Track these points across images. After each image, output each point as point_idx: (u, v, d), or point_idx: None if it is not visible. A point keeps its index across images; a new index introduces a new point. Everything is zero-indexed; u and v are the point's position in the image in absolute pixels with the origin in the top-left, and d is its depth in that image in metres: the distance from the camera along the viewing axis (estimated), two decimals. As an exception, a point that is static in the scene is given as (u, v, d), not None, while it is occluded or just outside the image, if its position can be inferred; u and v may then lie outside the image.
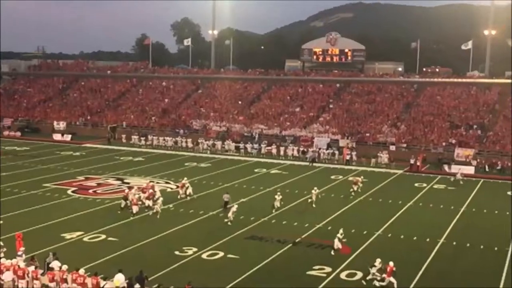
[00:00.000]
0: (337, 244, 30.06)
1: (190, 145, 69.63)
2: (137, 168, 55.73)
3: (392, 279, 24.82)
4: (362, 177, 47.84)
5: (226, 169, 56.73)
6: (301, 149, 65.44)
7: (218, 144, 68.89)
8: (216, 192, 43.74)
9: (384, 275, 25.25)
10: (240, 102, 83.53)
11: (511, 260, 30.02)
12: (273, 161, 62.16)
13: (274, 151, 66.00)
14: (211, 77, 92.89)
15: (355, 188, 45.29)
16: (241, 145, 67.81)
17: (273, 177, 53.10)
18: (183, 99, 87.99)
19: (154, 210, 37.22)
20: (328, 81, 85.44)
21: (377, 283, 25.25)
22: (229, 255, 29.62)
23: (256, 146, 67.47)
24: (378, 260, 25.92)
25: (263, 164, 59.81)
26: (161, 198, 38.64)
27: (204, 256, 29.54)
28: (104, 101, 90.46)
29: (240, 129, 75.18)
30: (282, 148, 65.92)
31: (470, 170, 57.22)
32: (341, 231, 30.59)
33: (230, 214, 35.69)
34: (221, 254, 29.83)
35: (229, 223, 35.30)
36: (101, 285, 22.80)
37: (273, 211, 38.21)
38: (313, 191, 41.46)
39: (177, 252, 29.83)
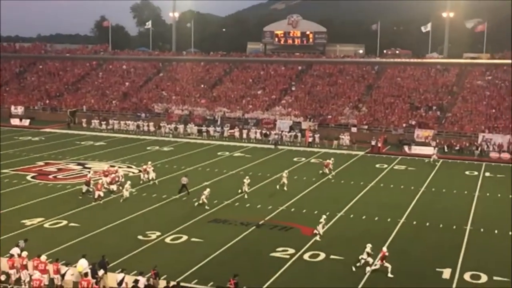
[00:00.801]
0: (319, 229, 29.79)
1: (152, 129, 69.05)
2: (99, 153, 55.04)
3: (386, 263, 24.85)
4: (332, 159, 47.90)
5: (188, 152, 56.48)
6: (264, 131, 65.53)
7: (181, 127, 68.45)
8: (178, 176, 43.39)
9: (378, 261, 25.20)
10: (202, 85, 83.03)
11: (469, 238, 30.76)
12: (236, 144, 62.15)
13: (236, 134, 65.98)
14: (172, 59, 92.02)
15: (327, 171, 45.36)
16: (204, 129, 67.54)
17: (236, 160, 53.10)
18: (144, 82, 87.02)
19: (124, 196, 36.84)
20: (290, 62, 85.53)
21: (368, 268, 25.11)
22: (193, 239, 29.59)
23: (218, 129, 67.33)
24: (369, 246, 25.71)
25: (226, 147, 59.75)
26: (129, 182, 38.30)
27: (167, 240, 29.45)
28: (63, 85, 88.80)
29: (203, 112, 74.83)
30: (244, 131, 65.90)
31: (429, 150, 58.20)
32: (324, 216, 30.46)
33: (203, 197, 35.45)
34: (185, 237, 29.79)
35: (206, 206, 35.14)
36: (63, 271, 22.53)
37: (245, 196, 37.88)
38: (284, 174, 41.40)
39: (140, 237, 29.65)
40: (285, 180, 40.73)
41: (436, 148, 56.63)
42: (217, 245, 28.47)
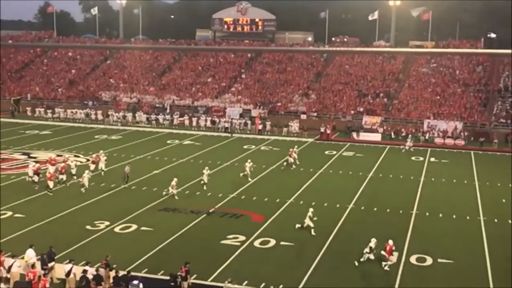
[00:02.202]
0: (308, 222, 29.10)
1: (100, 117, 67.87)
2: (44, 142, 53.75)
3: (391, 257, 24.85)
4: (296, 147, 47.89)
5: (137, 141, 55.79)
6: (214, 119, 65.31)
7: (129, 115, 67.52)
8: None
9: (384, 253, 25.00)
10: (150, 73, 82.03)
11: (415, 222, 31.52)
12: (186, 132, 61.76)
13: (186, 122, 65.57)
14: (120, 46, 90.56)
15: (291, 160, 45.19)
16: (153, 117, 66.84)
17: (186, 148, 52.80)
18: (91, 70, 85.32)
19: (84, 186, 36.08)
20: (239, 50, 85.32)
21: (384, 264, 24.75)
22: (143, 228, 29.34)
23: (168, 117, 66.76)
24: (374, 241, 25.40)
25: (175, 135, 59.32)
26: (87, 171, 37.52)
27: (116, 229, 29.12)
28: (6, 72, 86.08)
29: (152, 100, 74.01)
30: (194, 119, 65.55)
31: (377, 137, 59.29)
32: (311, 209, 29.89)
33: (170, 188, 34.94)
34: (134, 227, 29.51)
35: (176, 197, 34.69)
36: (10, 263, 21.98)
37: (204, 187, 37.45)
38: (247, 163, 40.96)
39: (88, 227, 29.22)
40: (248, 170, 40.26)
41: (410, 136, 57.15)
42: (167, 234, 28.32)
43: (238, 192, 36.81)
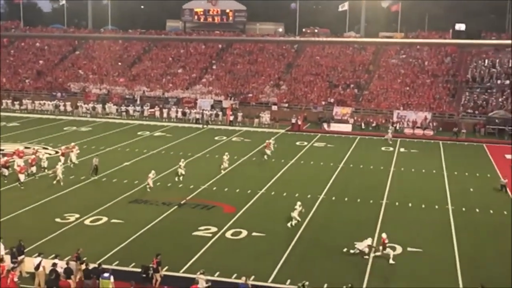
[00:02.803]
0: (295, 216, 28.81)
1: (69, 108, 66.98)
2: (12, 134, 52.83)
3: (387, 250, 24.77)
4: (272, 139, 47.71)
5: (107, 132, 55.26)
6: (185, 110, 65.01)
7: (99, 107, 66.79)
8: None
9: (380, 247, 25.01)
10: (120, 64, 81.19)
11: (385, 211, 31.87)
12: (157, 123, 61.37)
13: (157, 113, 65.14)
14: (89, 36, 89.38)
15: (268, 152, 45.02)
16: (123, 108, 66.23)
17: (157, 139, 52.46)
18: (60, 60, 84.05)
19: (58, 178, 35.54)
20: (210, 40, 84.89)
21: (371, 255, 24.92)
22: (113, 220, 29.12)
23: (138, 108, 66.23)
24: (370, 239, 25.27)
25: (146, 127, 58.87)
26: (60, 163, 36.95)
27: (87, 222, 28.85)
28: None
29: (122, 92, 73.32)
30: (165, 110, 65.15)
31: (348, 127, 59.73)
32: (299, 203, 29.64)
33: (149, 180, 34.53)
34: (105, 219, 29.26)
35: (148, 189, 34.30)
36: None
37: (180, 179, 37.01)
38: (224, 156, 40.73)
39: (58, 220, 28.88)
40: (225, 163, 40.04)
41: (391, 127, 57.26)
42: (138, 226, 28.16)
43: (210, 184, 36.74)
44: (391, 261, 24.25)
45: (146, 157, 44.65)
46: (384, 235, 25.10)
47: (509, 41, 9.81)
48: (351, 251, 25.09)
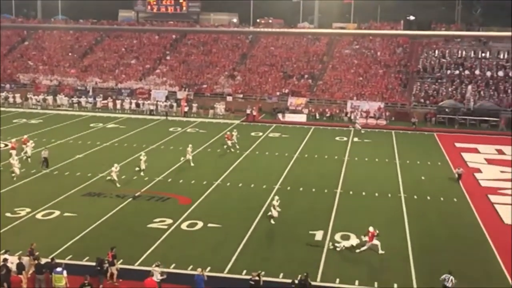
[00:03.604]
0: (273, 212, 28.31)
1: (18, 100, 65.31)
2: (-41, 127, 51.28)
3: (375, 241, 24.69)
4: (235, 131, 47.30)
5: (59, 125, 54.11)
6: (139, 102, 64.24)
7: (50, 99, 65.35)
8: (49, 150, 41.56)
9: (366, 239, 24.93)
10: (71, 54, 79.57)
11: (339, 200, 32.25)
12: (110, 115, 60.42)
13: (110, 104, 64.18)
14: (38, 27, 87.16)
15: (230, 144, 44.50)
16: (75, 99, 64.97)
17: (110, 131, 51.70)
18: (8, 51, 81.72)
19: (15, 173, 34.60)
20: (164, 31, 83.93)
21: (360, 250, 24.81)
22: (66, 214, 28.62)
23: (90, 100, 65.08)
24: (356, 240, 25.18)
25: (99, 119, 57.90)
26: (16, 158, 35.85)
27: (38, 216, 28.27)
28: None
29: (73, 83, 71.92)
30: (118, 102, 64.24)
31: (302, 118, 60.12)
32: (276, 197, 29.25)
33: (113, 175, 33.89)
34: (57, 213, 28.73)
35: (117, 184, 33.61)
36: None
37: (141, 173, 36.37)
38: (188, 148, 40.03)
39: (8, 214, 28.20)
40: (189, 155, 39.42)
41: (358, 117, 57.58)
42: (92, 219, 27.75)
43: (165, 175, 36.45)
44: (380, 251, 24.37)
45: (99, 150, 43.97)
46: (371, 229, 24.93)
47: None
48: (337, 248, 24.84)
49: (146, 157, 37.45)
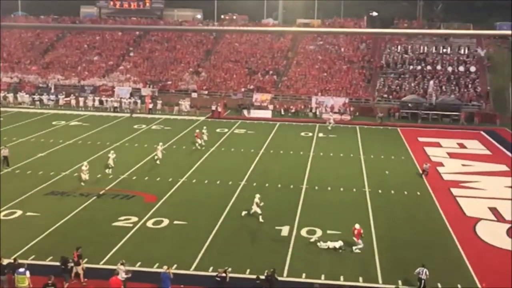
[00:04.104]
0: (255, 208, 27.97)
1: (-23, 98, 63.91)
2: None
3: (359, 241, 24.60)
4: (205, 128, 46.85)
5: (20, 123, 53.03)
6: (102, 99, 63.44)
7: (10, 96, 63.98)
8: (9, 148, 40.76)
9: (354, 238, 24.75)
10: (32, 51, 78.11)
11: (305, 196, 32.39)
12: (73, 112, 59.52)
13: (73, 102, 63.16)
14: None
15: (200, 141, 44.10)
16: (36, 97, 63.80)
17: (73, 129, 50.93)
18: (-33, 48, 79.95)
19: None
20: (125, 29, 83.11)
21: (354, 248, 24.57)
22: (28, 213, 28.12)
23: (53, 97, 64.00)
24: (340, 243, 24.81)
25: (61, 116, 56.99)
26: None
27: (0, 216, 27.67)
28: None
29: (34, 80, 70.62)
30: (81, 99, 63.28)
31: (267, 114, 60.22)
32: (258, 195, 28.79)
33: (82, 174, 33.27)
34: (19, 212, 28.21)
35: (82, 183, 32.96)
36: None
37: (109, 171, 35.66)
38: (158, 146, 39.61)
39: (-32, 215, 27.57)
40: (159, 154, 38.93)
41: (331, 113, 57.70)
42: (55, 218, 27.32)
43: (130, 173, 36.11)
44: (356, 250, 24.27)
45: (62, 148, 43.28)
46: (357, 226, 24.87)
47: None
48: (323, 246, 24.64)
49: (115, 155, 36.98)
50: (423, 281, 20.70)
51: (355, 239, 24.58)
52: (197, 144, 43.93)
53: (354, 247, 24.46)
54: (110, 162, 36.10)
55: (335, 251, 24.30)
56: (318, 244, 24.74)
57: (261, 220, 27.58)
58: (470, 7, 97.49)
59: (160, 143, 40.57)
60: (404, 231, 27.22)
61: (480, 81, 65.20)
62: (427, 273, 20.72)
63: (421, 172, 37.35)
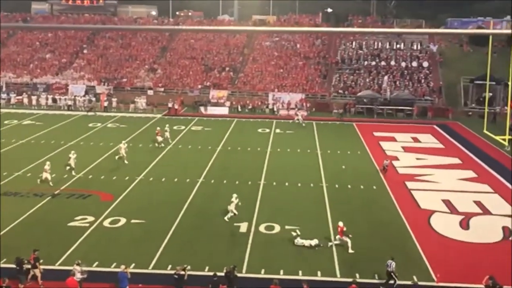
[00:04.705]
0: (231, 209, 27.53)
1: None
2: None
3: (344, 238, 24.43)
4: (167, 126, 46.16)
5: (-30, 122, 51.67)
6: (56, 97, 62.27)
7: (-42, 96, 62.29)
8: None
9: (337, 236, 24.71)
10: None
11: (263, 192, 32.48)
12: (25, 111, 58.21)
13: (25, 100, 61.79)
14: None
15: (160, 139, 43.49)
16: (-13, 96, 62.24)
17: (26, 128, 49.79)
18: None
19: None
20: (77, 28, 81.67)
21: (329, 244, 24.69)
22: (-20, 215, 27.38)
23: (4, 96, 62.49)
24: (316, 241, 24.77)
25: (13, 115, 55.66)
26: None
27: (-50, 219, 26.89)
28: None
29: (-15, 78, 68.85)
30: (34, 97, 61.96)
31: (224, 110, 60.17)
32: (235, 195, 28.34)
33: (44, 173, 32.53)
34: (-29, 215, 27.44)
35: (50, 183, 32.27)
36: None
37: (73, 172, 34.97)
38: (121, 145, 38.79)
39: None
40: (123, 152, 38.17)
41: (301, 110, 57.47)
42: (8, 220, 26.68)
43: (85, 172, 35.55)
44: (350, 250, 24.13)
45: (14, 148, 42.28)
46: (340, 223, 24.88)
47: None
48: (299, 244, 24.59)
49: (76, 155, 36.12)
50: (392, 274, 21.03)
51: (338, 236, 24.61)
52: (157, 143, 43.44)
53: (334, 242, 24.57)
54: (71, 162, 35.28)
55: (310, 248, 24.33)
56: (295, 241, 24.79)
57: (226, 219, 27.33)
58: (421, 3, 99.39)
59: (123, 141, 39.98)
60: (361, 225, 27.56)
61: (433, 76, 66.57)
62: (394, 266, 21.05)
63: (381, 168, 37.38)
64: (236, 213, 27.61)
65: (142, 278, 21.16)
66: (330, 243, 24.72)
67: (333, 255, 23.85)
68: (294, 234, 25.16)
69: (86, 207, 28.99)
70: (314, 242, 24.65)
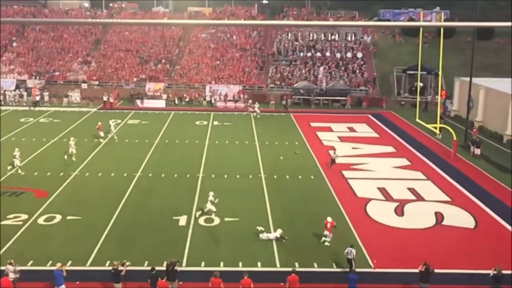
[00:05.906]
0: (209, 206, 26.89)
1: None
2: None
3: (330, 234, 24.19)
4: (113, 120, 44.80)
5: None
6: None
7: None
8: None
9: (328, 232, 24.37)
10: None
11: (201, 184, 32.37)
12: (-48, 107, 55.91)
13: (-50, 96, 59.30)
14: None
15: (102, 134, 42.50)
16: None
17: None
18: None
19: None
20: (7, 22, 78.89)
21: (323, 240, 24.38)
22: None
23: None
24: (278, 233, 24.58)
25: None
26: None
27: None
28: None
29: None
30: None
31: (161, 103, 59.52)
32: (211, 193, 27.66)
33: (14, 159, 31.86)
34: None
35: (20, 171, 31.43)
36: None
37: (19, 171, 33.67)
38: (70, 142, 37.39)
39: None
40: (73, 149, 36.90)
41: (257, 104, 56.60)
42: None
43: (17, 169, 34.42)
44: (326, 244, 24.17)
45: None
46: (329, 219, 24.71)
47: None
48: (264, 238, 24.45)
49: (20, 152, 34.75)
50: (352, 261, 21.34)
51: (327, 232, 24.52)
52: (101, 138, 42.62)
53: (323, 239, 24.43)
54: (16, 160, 33.99)
55: (277, 240, 24.32)
56: (260, 235, 24.67)
57: (213, 217, 26.88)
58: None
59: (72, 138, 38.53)
60: (299, 215, 27.87)
61: (367, 66, 67.88)
62: (354, 253, 21.40)
63: (329, 161, 37.04)
64: (208, 209, 27.05)
65: (79, 275, 20.74)
66: (324, 239, 24.48)
67: (272, 246, 24.03)
68: (259, 229, 25.08)
69: (19, 205, 28.13)
70: (279, 232, 24.65)
